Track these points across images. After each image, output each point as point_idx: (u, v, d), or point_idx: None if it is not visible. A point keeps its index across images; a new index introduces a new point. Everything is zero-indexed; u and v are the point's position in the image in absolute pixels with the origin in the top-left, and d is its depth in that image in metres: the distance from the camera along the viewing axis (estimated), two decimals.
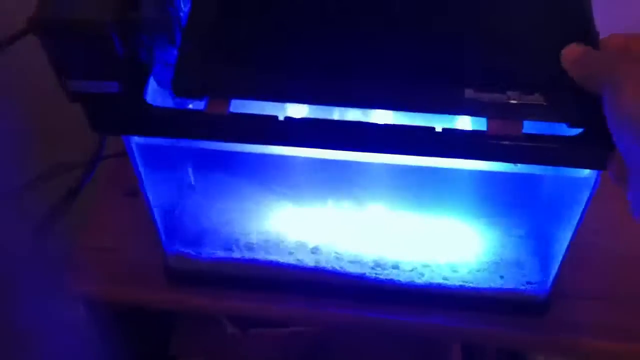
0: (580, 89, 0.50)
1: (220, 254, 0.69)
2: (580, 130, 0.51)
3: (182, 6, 0.59)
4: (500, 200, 0.69)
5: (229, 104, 0.54)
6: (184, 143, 0.58)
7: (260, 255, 0.69)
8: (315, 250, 0.69)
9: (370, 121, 0.53)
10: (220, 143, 0.56)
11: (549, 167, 0.54)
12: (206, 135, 0.56)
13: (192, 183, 0.72)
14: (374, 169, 0.65)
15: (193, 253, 0.69)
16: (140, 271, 0.72)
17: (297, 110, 0.56)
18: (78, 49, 0.56)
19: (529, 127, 0.51)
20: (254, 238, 0.70)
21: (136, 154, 0.59)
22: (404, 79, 0.53)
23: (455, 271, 0.67)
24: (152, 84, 0.57)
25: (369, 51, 0.55)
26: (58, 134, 0.93)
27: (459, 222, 0.70)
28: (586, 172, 0.54)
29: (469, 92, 0.52)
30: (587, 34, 0.53)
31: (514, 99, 0.51)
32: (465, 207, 0.69)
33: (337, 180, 0.69)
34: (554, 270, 0.65)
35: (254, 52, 0.55)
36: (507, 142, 0.51)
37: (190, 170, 0.71)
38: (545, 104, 0.51)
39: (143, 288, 0.71)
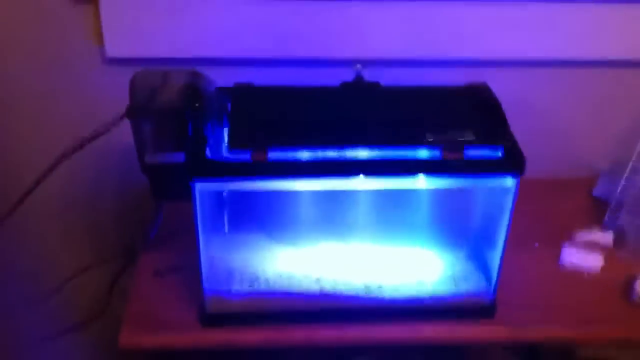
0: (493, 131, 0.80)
1: (247, 289, 0.90)
2: (500, 152, 0.80)
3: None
4: (449, 229, 0.96)
5: (267, 154, 0.79)
6: (233, 186, 0.82)
7: (276, 288, 0.90)
8: (318, 281, 0.91)
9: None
10: (258, 183, 0.80)
11: (484, 179, 0.81)
12: (252, 175, 0.80)
13: (226, 231, 0.94)
14: (358, 208, 0.91)
15: (226, 292, 0.89)
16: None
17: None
18: (160, 130, 0.81)
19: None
20: (269, 276, 0.91)
21: (197, 201, 0.81)
22: (386, 133, 0.82)
23: (423, 286, 0.91)
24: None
25: (363, 122, 0.84)
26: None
27: (420, 248, 0.95)
28: (509, 182, 0.82)
29: (428, 135, 0.80)
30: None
31: (455, 137, 0.80)
32: (424, 236, 0.95)
33: (328, 223, 0.94)
34: (494, 278, 0.89)
35: (277, 127, 0.83)
36: (456, 163, 0.79)
37: (226, 218, 0.94)
38: (475, 138, 0.80)
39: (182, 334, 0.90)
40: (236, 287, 0.90)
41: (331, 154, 0.80)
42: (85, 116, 0.93)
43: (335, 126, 0.83)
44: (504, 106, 0.85)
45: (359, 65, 0.94)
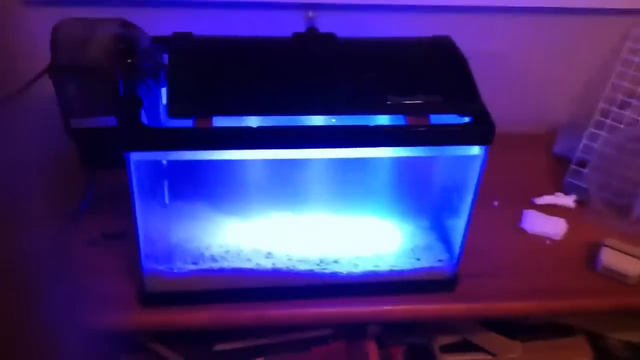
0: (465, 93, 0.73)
1: (190, 267, 0.82)
2: (469, 119, 0.73)
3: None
4: (410, 198, 0.89)
5: (211, 121, 0.70)
6: (174, 156, 0.73)
7: (224, 265, 0.82)
8: (269, 255, 0.83)
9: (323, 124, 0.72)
10: (203, 153, 0.72)
11: (451, 148, 0.74)
12: (195, 146, 0.71)
13: (167, 202, 0.85)
14: (312, 177, 0.83)
15: (167, 270, 0.81)
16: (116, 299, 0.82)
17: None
18: (87, 90, 0.70)
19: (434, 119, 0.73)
20: (216, 251, 0.83)
21: (133, 172, 0.72)
22: (342, 96, 0.73)
23: (382, 259, 0.84)
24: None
25: (311, 82, 0.75)
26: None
27: (379, 219, 0.88)
28: (476, 150, 0.75)
29: (391, 98, 0.72)
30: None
31: (421, 100, 0.72)
32: (384, 206, 0.88)
33: (279, 193, 0.86)
34: (457, 251, 0.84)
35: (223, 87, 0.73)
36: (421, 129, 0.72)
37: (166, 189, 0.85)
38: (443, 102, 0.73)
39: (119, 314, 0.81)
40: (178, 263, 0.82)
41: (282, 120, 0.71)
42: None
43: (286, 87, 0.74)
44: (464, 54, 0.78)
45: (311, 13, 0.85)
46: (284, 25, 0.96)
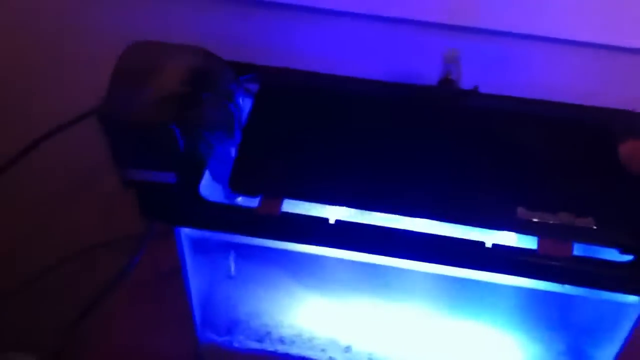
0: (632, 216, 0.51)
1: (253, 345, 0.69)
2: (631, 257, 0.51)
3: (242, 105, 0.61)
4: (543, 315, 0.69)
5: (281, 204, 0.55)
6: (233, 238, 0.59)
7: (293, 350, 0.68)
8: (347, 350, 0.68)
9: (420, 230, 0.54)
10: (270, 241, 0.57)
11: (597, 291, 0.54)
12: (256, 233, 0.56)
13: (233, 274, 0.72)
14: (414, 273, 0.65)
15: (226, 343, 0.69)
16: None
17: (343, 215, 0.56)
18: (140, 141, 0.57)
19: (579, 249, 0.52)
20: (286, 332, 0.69)
21: (184, 244, 0.59)
22: (456, 193, 0.55)
23: None
24: (207, 177, 0.58)
25: (422, 166, 0.57)
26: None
27: (499, 333, 0.69)
28: (633, 299, 0.54)
29: (521, 211, 0.53)
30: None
31: (565, 220, 0.52)
32: (507, 318, 0.69)
33: (373, 279, 0.69)
34: None
35: (309, 157, 0.57)
36: (557, 263, 0.52)
37: (232, 260, 0.72)
38: (596, 227, 0.52)
39: None
40: (241, 337, 0.69)
41: (376, 218, 0.54)
42: None
43: (390, 172, 0.57)
44: None
45: (454, 52, 0.65)
46: (420, 47, 0.77)
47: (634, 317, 0.55)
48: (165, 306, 0.75)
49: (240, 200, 0.59)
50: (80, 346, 0.84)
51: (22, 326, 1.13)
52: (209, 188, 0.58)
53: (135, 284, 0.79)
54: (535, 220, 0.52)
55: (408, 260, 0.55)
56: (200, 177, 0.57)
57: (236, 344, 0.69)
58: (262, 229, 0.56)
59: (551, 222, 0.52)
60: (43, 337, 0.90)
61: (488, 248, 0.52)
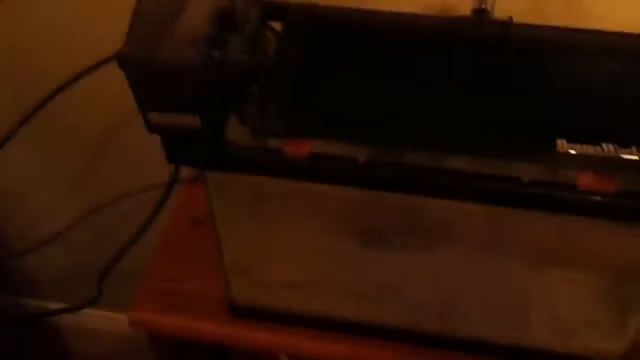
0: None
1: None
2: None
3: (269, 44, 0.59)
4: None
5: (308, 145, 0.53)
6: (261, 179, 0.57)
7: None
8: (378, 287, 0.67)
9: (452, 167, 0.52)
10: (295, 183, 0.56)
11: None
12: (284, 174, 0.55)
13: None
14: (447, 212, 0.63)
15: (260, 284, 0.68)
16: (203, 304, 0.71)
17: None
18: (163, 84, 0.55)
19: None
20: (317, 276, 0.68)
21: (211, 188, 0.58)
22: (491, 127, 0.52)
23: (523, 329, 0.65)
24: (232, 120, 0.56)
25: (454, 100, 0.54)
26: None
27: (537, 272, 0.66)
28: None
29: (561, 144, 0.50)
30: None
31: (609, 153, 0.49)
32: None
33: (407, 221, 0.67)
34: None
35: (337, 96, 0.55)
36: (599, 198, 0.49)
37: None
38: None
39: (206, 321, 0.71)
40: (273, 278, 0.69)
41: (410, 158, 0.52)
42: None
43: (422, 108, 0.54)
44: None
45: None
46: None
47: None
48: (197, 251, 0.75)
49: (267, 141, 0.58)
50: (115, 291, 0.85)
51: (58, 273, 1.15)
52: (235, 130, 0.56)
53: (167, 228, 0.79)
54: (574, 152, 0.50)
55: (440, 199, 0.53)
56: (225, 119, 0.55)
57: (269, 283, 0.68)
58: (290, 171, 0.54)
59: (592, 154, 0.49)
60: (79, 283, 0.92)
61: (525, 183, 0.50)
